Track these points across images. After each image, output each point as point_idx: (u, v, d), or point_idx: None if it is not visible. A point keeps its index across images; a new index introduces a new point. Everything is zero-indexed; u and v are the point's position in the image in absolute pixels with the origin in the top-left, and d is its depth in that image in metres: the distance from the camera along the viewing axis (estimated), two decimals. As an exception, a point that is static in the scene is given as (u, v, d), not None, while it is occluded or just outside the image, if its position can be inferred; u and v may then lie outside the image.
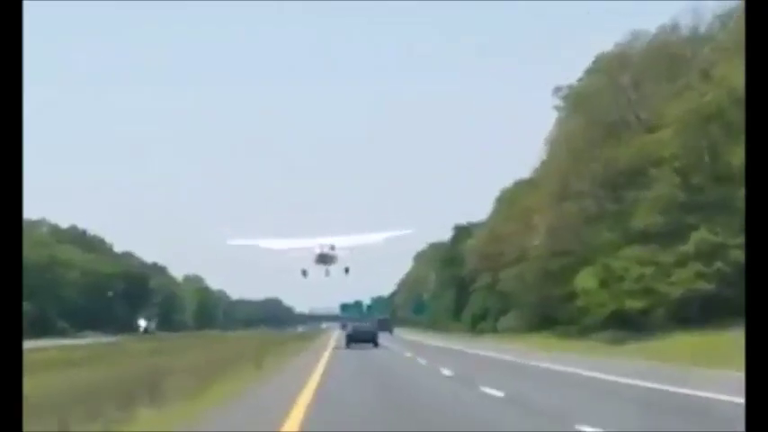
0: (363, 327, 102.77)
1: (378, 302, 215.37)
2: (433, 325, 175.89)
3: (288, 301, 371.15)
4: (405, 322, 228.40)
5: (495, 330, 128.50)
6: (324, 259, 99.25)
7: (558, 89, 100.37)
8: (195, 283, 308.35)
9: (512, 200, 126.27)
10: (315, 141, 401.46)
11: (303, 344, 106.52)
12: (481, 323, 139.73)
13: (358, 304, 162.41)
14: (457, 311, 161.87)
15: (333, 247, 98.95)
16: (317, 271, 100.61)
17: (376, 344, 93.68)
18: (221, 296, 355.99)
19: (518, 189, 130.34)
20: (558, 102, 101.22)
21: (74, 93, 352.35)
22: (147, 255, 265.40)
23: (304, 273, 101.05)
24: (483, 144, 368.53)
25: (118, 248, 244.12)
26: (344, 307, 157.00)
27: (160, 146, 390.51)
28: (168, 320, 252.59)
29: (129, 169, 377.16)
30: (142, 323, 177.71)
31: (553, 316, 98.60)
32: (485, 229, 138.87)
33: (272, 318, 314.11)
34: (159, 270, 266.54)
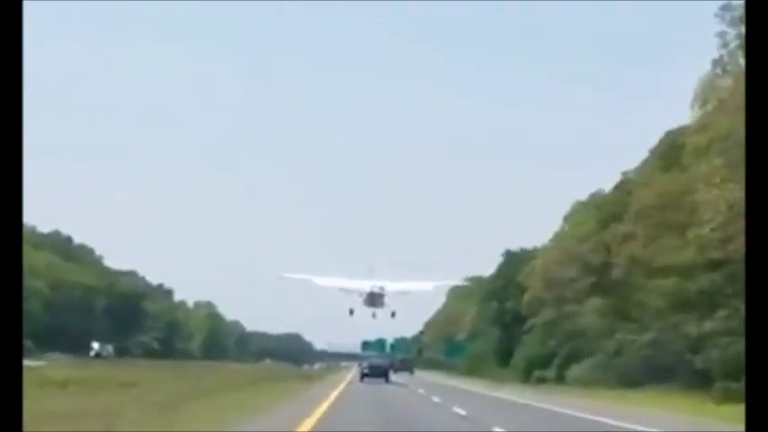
0: (377, 362, 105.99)
1: (401, 342, 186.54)
2: (472, 370, 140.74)
3: (308, 336, 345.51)
4: (435, 365, 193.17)
5: (560, 381, 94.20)
6: (373, 301, 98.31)
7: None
8: (206, 309, 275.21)
9: (599, 206, 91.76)
10: (352, 169, 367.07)
11: (305, 385, 74.85)
12: (538, 371, 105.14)
13: (380, 342, 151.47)
14: (503, 355, 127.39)
15: (383, 289, 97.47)
16: (364, 312, 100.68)
17: (387, 379, 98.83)
18: (235, 326, 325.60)
19: (600, 199, 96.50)
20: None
21: (85, 90, 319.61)
22: (158, 277, 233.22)
23: (351, 312, 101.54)
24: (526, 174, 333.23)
25: (118, 264, 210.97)
26: (366, 344, 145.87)
27: (186, 165, 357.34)
28: (169, 347, 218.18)
29: (151, 185, 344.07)
30: (95, 345, 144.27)
31: (670, 364, 64.30)
32: (553, 245, 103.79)
33: (289, 352, 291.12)
34: (164, 293, 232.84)
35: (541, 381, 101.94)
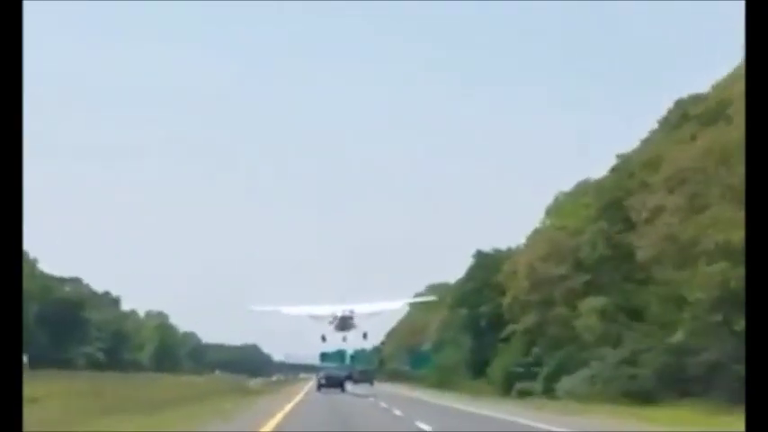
0: (334, 373, 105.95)
1: (362, 353, 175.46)
2: (442, 382, 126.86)
3: (267, 347, 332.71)
4: (398, 377, 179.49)
5: (549, 394, 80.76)
6: (344, 326, 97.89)
7: None
8: (157, 319, 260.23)
9: (599, 191, 78.22)
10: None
11: (249, 399, 60.73)
12: (520, 383, 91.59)
13: (340, 354, 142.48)
14: (477, 365, 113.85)
15: (352, 312, 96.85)
16: (335, 336, 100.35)
17: (343, 389, 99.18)
18: (190, 338, 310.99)
19: (594, 185, 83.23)
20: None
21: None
22: (106, 286, 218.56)
23: (323, 338, 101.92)
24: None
25: (59, 271, 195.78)
26: (325, 356, 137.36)
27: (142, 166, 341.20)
28: (116, 358, 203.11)
29: (105, 190, 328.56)
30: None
31: (703, 374, 50.92)
32: (538, 240, 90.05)
33: (247, 364, 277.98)
34: (110, 301, 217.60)
35: (525, 394, 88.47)
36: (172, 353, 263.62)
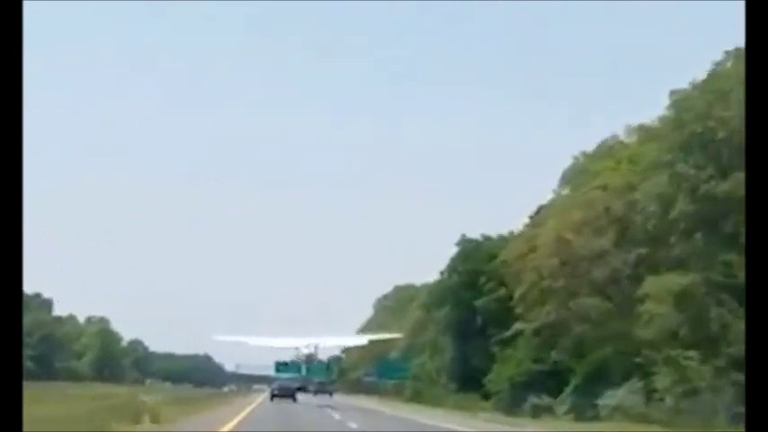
0: (286, 384, 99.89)
1: (319, 363, 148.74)
2: (418, 395, 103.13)
3: (219, 357, 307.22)
4: (362, 389, 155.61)
5: (582, 413, 57.58)
6: (309, 360, 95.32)
7: None
8: (98, 325, 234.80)
9: (657, 136, 54.67)
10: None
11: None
12: (534, 397, 68.32)
13: (296, 364, 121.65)
14: (464, 375, 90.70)
15: (316, 348, 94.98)
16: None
17: (294, 399, 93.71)
18: (136, 346, 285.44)
19: (644, 133, 60.11)
20: None
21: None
22: (38, 287, 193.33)
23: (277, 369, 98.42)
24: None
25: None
26: (280, 366, 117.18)
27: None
28: (46, 366, 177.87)
29: (49, 182, 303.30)
30: None
31: None
32: (566, 205, 65.95)
33: (197, 374, 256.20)
34: (41, 303, 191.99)
35: (543, 411, 65.54)
36: (113, 361, 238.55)
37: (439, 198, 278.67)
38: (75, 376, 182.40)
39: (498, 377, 76.04)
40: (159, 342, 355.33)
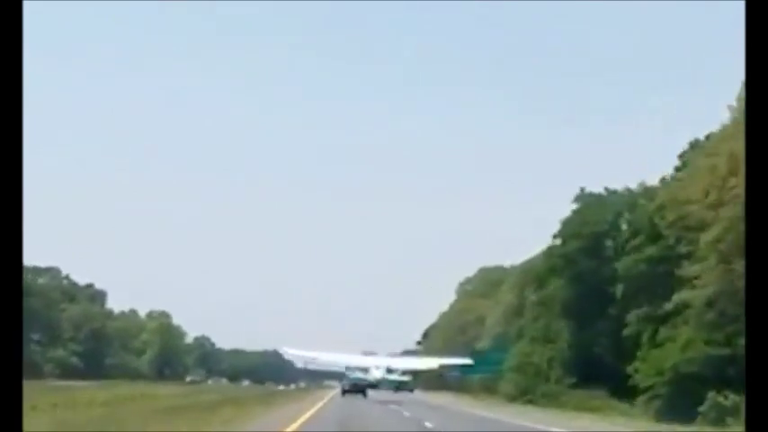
0: (358, 381, 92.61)
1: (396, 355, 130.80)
2: (526, 392, 79.90)
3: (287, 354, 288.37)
4: (442, 385, 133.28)
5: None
6: (354, 389, 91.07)
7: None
8: (158, 320, 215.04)
9: None
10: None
11: None
12: (719, 395, 45.80)
13: (370, 356, 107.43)
14: (587, 367, 68.44)
15: (389, 370, 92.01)
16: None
17: (365, 395, 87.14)
18: (201, 342, 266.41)
19: None
20: None
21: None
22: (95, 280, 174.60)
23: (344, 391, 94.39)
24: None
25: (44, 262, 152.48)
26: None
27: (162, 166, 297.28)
28: (95, 363, 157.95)
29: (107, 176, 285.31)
30: None
31: None
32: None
33: (266, 371, 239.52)
34: (93, 295, 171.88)
35: (730, 413, 42.95)
36: (176, 358, 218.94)
37: (522, 178, 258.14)
38: (132, 374, 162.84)
39: (651, 367, 53.23)
40: (227, 338, 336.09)
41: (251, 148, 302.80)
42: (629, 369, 56.29)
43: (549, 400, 71.50)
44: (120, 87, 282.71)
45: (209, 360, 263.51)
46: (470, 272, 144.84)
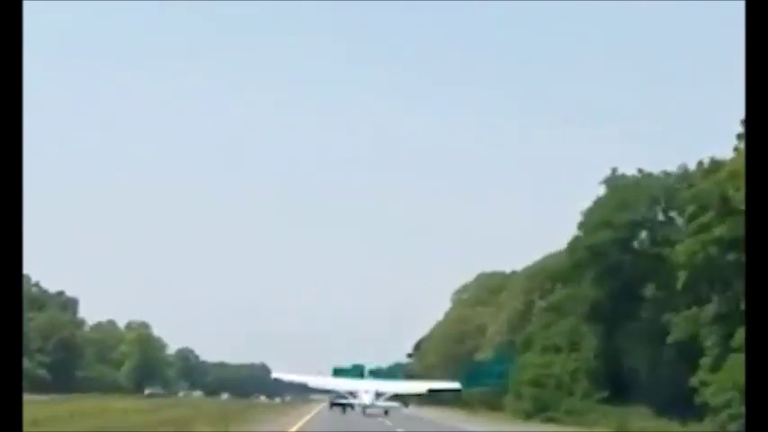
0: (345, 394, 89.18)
1: (384, 370, 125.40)
2: (546, 408, 66.63)
3: (275, 366, 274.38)
4: (438, 399, 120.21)
5: None
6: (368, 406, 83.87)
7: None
8: (138, 331, 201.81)
9: None
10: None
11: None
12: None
13: (357, 370, 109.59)
14: (617, 379, 55.87)
15: (377, 394, 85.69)
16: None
17: (352, 407, 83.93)
18: (185, 354, 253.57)
19: None
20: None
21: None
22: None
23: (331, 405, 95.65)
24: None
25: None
26: (338, 373, 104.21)
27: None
28: (64, 375, 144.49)
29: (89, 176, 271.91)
30: None
31: None
32: None
33: (251, 384, 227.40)
34: (64, 303, 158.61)
35: None
36: (156, 370, 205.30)
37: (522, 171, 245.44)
38: (108, 387, 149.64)
39: (727, 379, 40.52)
40: (212, 351, 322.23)
41: (241, 153, 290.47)
42: (693, 381, 43.57)
43: (576, 417, 58.90)
44: (104, 91, 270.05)
45: (192, 373, 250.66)
46: (467, 279, 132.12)
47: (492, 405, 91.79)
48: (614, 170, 61.47)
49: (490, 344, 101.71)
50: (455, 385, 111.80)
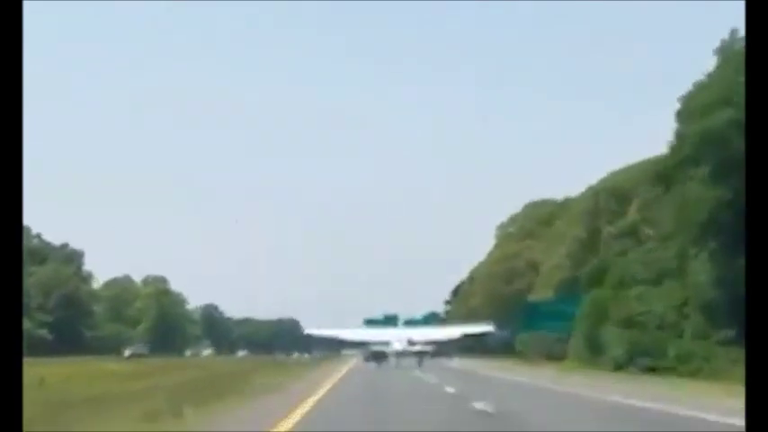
0: (379, 348, 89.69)
1: (417, 319, 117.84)
2: (644, 356, 50.43)
3: (305, 321, 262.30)
4: (490, 350, 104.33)
5: None
6: (401, 354, 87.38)
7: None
8: (153, 285, 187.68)
9: None
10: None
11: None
12: None
13: (390, 320, 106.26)
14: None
15: (411, 342, 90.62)
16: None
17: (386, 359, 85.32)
18: (209, 311, 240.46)
19: None
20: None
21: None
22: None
23: (367, 359, 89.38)
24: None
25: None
26: (370, 323, 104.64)
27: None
28: (69, 335, 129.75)
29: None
30: None
31: None
32: None
33: (280, 341, 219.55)
34: (67, 257, 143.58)
35: None
36: (176, 329, 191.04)
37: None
38: (122, 348, 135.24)
39: None
40: (237, 308, 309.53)
41: (255, 101, 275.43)
42: None
43: (691, 365, 43.09)
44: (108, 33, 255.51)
45: (216, 330, 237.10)
46: (512, 211, 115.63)
47: (550, 356, 76.44)
48: (733, 32, 44.92)
49: (547, 282, 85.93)
50: (489, 328, 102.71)
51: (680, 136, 46.96)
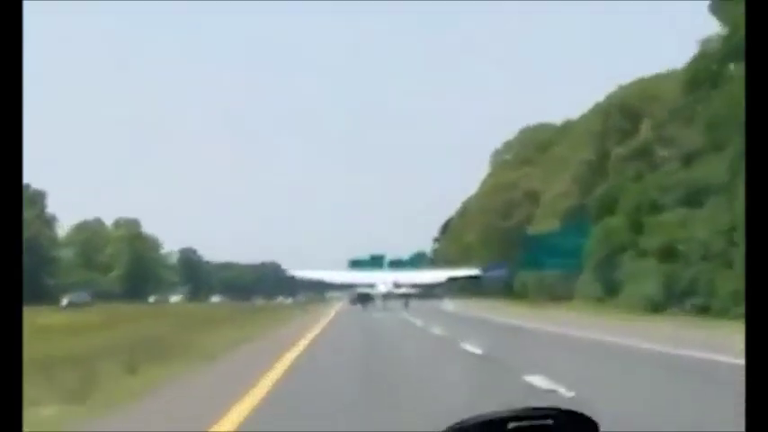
0: (365, 291, 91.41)
1: (404, 259, 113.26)
2: (683, 297, 41.93)
3: (288, 264, 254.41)
4: (485, 291, 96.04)
5: None
6: (387, 296, 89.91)
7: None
8: (126, 229, 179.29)
9: None
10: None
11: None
12: None
13: (376, 260, 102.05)
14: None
15: (396, 284, 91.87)
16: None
17: (373, 301, 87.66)
18: (188, 255, 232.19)
19: None
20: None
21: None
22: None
23: (353, 301, 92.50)
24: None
25: None
26: (355, 264, 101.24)
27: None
28: (29, 283, 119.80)
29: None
30: None
31: None
32: None
33: (261, 285, 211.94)
34: (28, 198, 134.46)
35: None
36: (151, 274, 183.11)
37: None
38: (96, 296, 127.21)
39: None
40: (216, 252, 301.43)
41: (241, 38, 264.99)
42: None
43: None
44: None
45: (195, 276, 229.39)
46: (507, 137, 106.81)
47: (556, 294, 68.57)
48: None
49: (549, 212, 77.60)
50: (474, 272, 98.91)
51: (732, 22, 38.19)
